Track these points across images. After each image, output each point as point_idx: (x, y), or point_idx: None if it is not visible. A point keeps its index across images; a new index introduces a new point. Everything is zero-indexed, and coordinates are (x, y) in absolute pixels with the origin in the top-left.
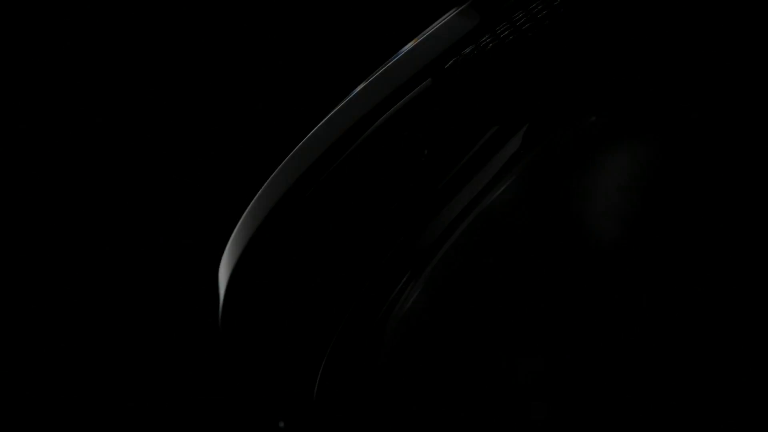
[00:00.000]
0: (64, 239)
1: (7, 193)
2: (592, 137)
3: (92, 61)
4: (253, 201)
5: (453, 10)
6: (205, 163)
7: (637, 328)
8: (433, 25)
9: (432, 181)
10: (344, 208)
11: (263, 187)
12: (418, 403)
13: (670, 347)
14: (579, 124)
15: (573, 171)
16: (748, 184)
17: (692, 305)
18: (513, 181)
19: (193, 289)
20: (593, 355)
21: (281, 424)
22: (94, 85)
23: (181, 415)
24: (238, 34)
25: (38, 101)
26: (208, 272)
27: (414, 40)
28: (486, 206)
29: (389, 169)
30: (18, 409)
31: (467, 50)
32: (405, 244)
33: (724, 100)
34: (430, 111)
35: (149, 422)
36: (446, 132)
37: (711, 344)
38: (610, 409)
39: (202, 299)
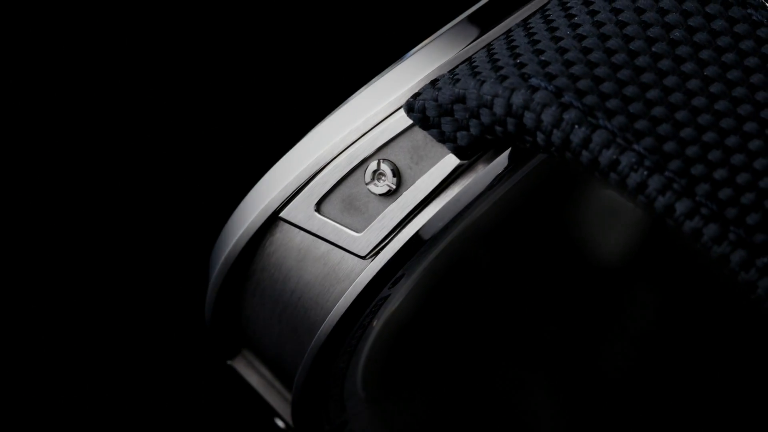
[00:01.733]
0: (53, 237)
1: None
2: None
3: (86, 60)
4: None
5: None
6: (201, 163)
7: (635, 334)
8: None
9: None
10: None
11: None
12: (403, 407)
13: (668, 351)
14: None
15: (565, 181)
16: None
17: (695, 308)
18: (504, 193)
19: (185, 287)
20: (585, 363)
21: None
22: (86, 83)
23: (177, 415)
24: (233, 33)
25: (36, 100)
26: (201, 270)
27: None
28: (475, 216)
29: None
30: (7, 408)
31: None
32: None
33: None
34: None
35: (145, 421)
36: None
37: (709, 349)
38: (606, 416)
39: (195, 297)
